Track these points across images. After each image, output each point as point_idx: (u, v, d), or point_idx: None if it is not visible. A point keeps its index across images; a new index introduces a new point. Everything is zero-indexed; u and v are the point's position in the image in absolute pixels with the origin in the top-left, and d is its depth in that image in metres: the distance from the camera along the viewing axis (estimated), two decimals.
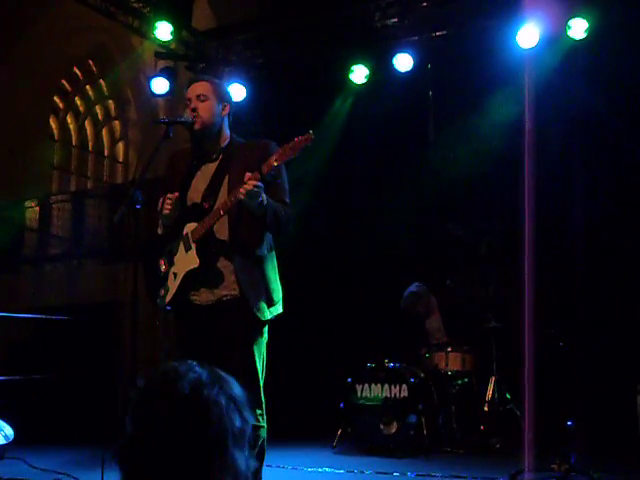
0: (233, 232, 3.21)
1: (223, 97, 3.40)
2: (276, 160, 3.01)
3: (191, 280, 3.24)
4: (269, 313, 3.24)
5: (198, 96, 3.33)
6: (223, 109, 3.38)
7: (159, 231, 3.37)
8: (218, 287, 3.22)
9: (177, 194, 3.25)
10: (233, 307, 3.18)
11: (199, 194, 3.30)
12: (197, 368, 1.40)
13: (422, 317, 6.83)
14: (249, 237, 3.22)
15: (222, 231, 3.23)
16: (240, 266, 3.18)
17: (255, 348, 3.19)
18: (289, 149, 2.99)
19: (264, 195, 3.05)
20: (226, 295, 3.21)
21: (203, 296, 3.25)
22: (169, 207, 3.24)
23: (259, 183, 2.99)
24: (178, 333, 3.37)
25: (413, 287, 6.84)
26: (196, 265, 3.20)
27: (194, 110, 3.30)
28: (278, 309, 3.31)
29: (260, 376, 3.20)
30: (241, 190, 2.99)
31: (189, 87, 3.39)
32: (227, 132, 3.43)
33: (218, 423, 1.33)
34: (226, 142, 3.40)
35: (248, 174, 3.01)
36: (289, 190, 3.33)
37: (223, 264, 3.22)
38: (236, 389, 1.41)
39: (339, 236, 8.02)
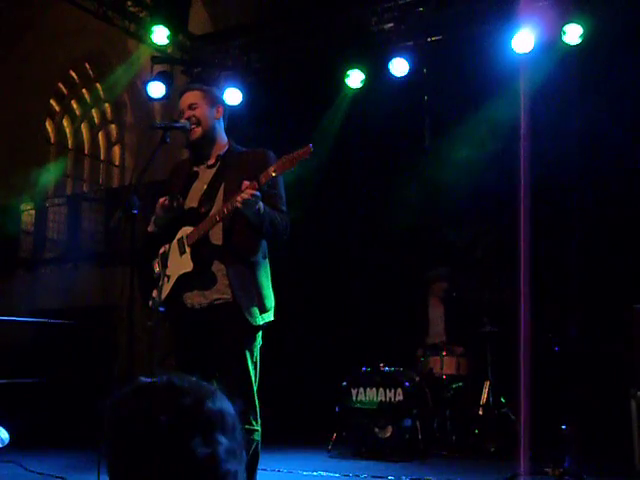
0: (227, 237, 3.24)
1: (214, 101, 3.44)
2: (274, 171, 3.03)
3: (184, 283, 3.27)
4: (261, 319, 3.25)
5: (190, 106, 3.37)
6: (216, 112, 3.41)
7: (149, 229, 3.40)
8: (210, 290, 3.23)
9: (181, 200, 3.28)
10: (225, 311, 3.20)
11: (196, 199, 3.33)
12: (204, 383, 1.27)
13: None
14: (242, 243, 3.25)
15: (216, 236, 3.25)
16: (233, 271, 3.21)
17: (248, 352, 3.20)
18: (288, 161, 3.00)
19: (261, 204, 3.07)
20: (218, 299, 3.22)
21: (195, 299, 3.26)
22: (164, 209, 3.26)
23: (256, 192, 3.01)
24: (173, 337, 3.38)
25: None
26: (190, 269, 3.23)
27: (189, 119, 3.34)
28: (270, 316, 3.31)
29: (253, 380, 3.21)
30: (238, 199, 3.01)
31: (180, 98, 3.44)
32: (224, 136, 3.46)
33: (232, 430, 1.27)
34: (225, 149, 3.42)
35: (246, 182, 3.03)
36: (285, 197, 3.35)
37: (217, 268, 3.24)
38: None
39: (334, 240, 8.03)
